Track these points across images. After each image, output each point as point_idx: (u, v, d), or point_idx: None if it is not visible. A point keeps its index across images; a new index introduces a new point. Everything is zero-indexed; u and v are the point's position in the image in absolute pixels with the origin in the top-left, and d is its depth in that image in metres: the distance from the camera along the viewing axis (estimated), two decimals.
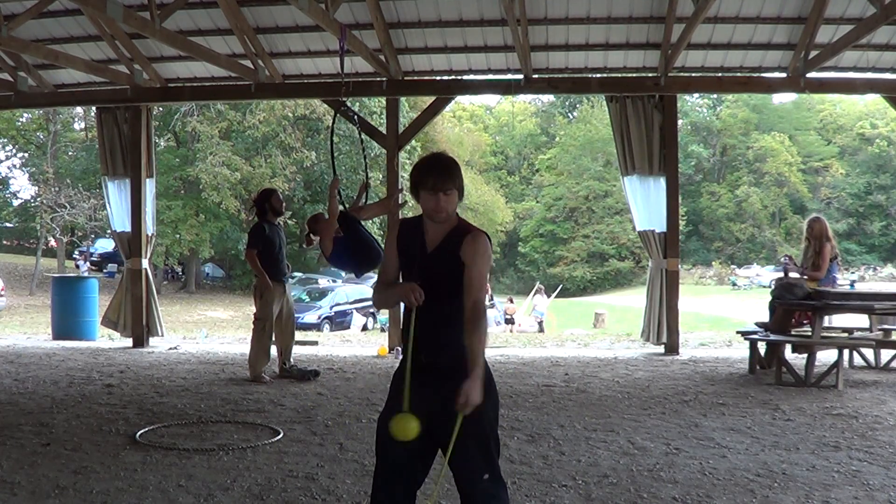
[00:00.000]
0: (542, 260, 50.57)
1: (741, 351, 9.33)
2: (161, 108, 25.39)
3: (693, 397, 6.65)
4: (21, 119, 31.59)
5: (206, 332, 13.76)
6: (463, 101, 53.19)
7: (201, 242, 30.06)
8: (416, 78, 9.74)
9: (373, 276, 26.16)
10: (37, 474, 4.45)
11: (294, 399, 6.67)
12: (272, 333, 7.59)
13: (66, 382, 7.40)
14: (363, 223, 6.82)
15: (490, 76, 9.78)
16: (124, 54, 9.27)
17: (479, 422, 2.90)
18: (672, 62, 8.75)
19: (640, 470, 4.56)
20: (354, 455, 4.89)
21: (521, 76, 9.30)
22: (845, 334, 8.28)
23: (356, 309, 22.91)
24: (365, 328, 21.40)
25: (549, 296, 27.09)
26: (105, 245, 32.64)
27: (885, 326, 7.96)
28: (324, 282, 28.71)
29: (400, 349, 9.12)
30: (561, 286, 39.69)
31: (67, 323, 11.14)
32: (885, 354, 8.08)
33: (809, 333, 7.48)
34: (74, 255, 34.41)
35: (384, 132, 9.95)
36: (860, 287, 16.69)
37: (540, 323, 23.57)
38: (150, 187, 10.21)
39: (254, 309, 7.80)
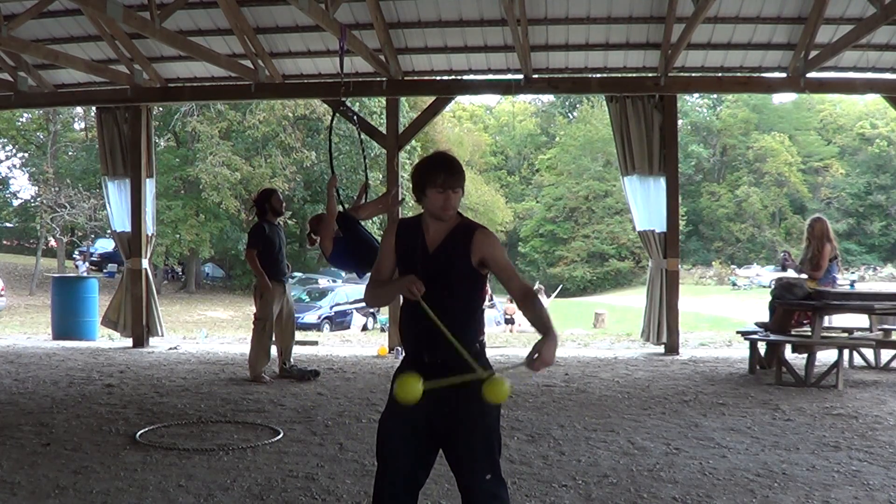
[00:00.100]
0: (543, 260, 50.59)
1: (741, 351, 9.33)
2: (161, 108, 25.39)
3: (693, 397, 6.65)
4: (21, 119, 31.60)
5: (206, 332, 13.76)
6: (463, 101, 53.22)
7: (201, 242, 30.06)
8: (416, 78, 9.74)
9: None
10: (37, 474, 4.45)
11: (294, 399, 6.67)
12: (272, 333, 7.59)
13: (66, 382, 7.40)
14: (363, 223, 6.81)
15: (490, 76, 9.78)
16: (124, 54, 9.27)
17: (483, 421, 2.90)
18: (672, 62, 8.75)
19: (640, 470, 4.56)
20: (354, 455, 4.89)
21: (521, 76, 9.30)
22: (845, 334, 8.28)
23: (356, 309, 22.90)
24: (365, 328, 21.40)
25: (549, 296, 27.08)
26: (105, 245, 32.64)
27: (885, 326, 7.96)
28: (324, 282, 28.72)
29: (400, 349, 9.18)
30: (561, 286, 39.71)
31: (67, 323, 11.14)
32: (885, 354, 8.08)
33: (809, 333, 7.48)
34: (74, 255, 34.42)
35: (384, 132, 9.95)
36: (860, 287, 16.71)
37: None
38: (150, 187, 10.22)
39: (254, 309, 7.80)
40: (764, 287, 30.02)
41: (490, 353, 3.06)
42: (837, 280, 8.17)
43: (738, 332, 9.00)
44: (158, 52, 9.44)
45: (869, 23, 7.17)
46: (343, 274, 27.65)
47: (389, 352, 9.42)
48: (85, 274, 26.04)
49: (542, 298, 24.68)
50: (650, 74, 9.29)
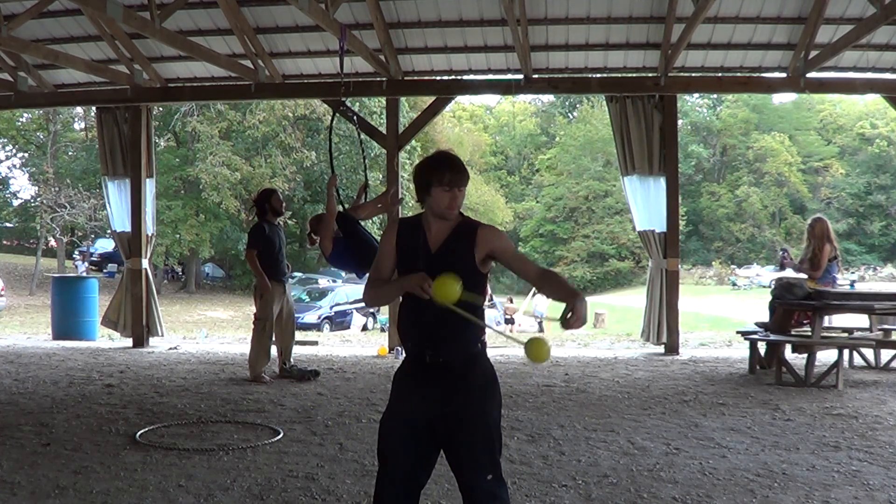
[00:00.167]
0: (543, 260, 50.48)
1: (741, 351, 9.33)
2: (161, 108, 25.39)
3: (693, 397, 6.65)
4: (21, 119, 31.60)
5: (206, 332, 13.77)
6: (463, 101, 53.21)
7: (201, 242, 30.07)
8: (416, 78, 9.74)
9: None
10: (37, 474, 4.45)
11: (294, 399, 6.67)
12: (272, 333, 7.59)
13: (66, 382, 7.40)
14: (362, 223, 6.80)
15: (490, 76, 9.78)
16: (124, 54, 9.27)
17: (485, 422, 2.90)
18: (672, 62, 8.75)
19: (640, 470, 4.56)
20: (354, 455, 4.89)
21: (521, 76, 9.30)
22: (845, 334, 8.28)
23: (356, 309, 22.91)
24: (365, 328, 21.41)
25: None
26: (105, 245, 32.63)
27: (885, 326, 7.96)
28: (324, 282, 28.72)
29: (400, 349, 9.18)
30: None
31: (67, 323, 11.14)
32: (885, 354, 8.08)
33: (809, 333, 7.48)
34: (74, 255, 34.43)
35: (384, 132, 9.95)
36: (860, 287, 16.71)
37: (540, 323, 23.57)
38: (150, 187, 10.22)
39: (254, 309, 7.80)
40: (764, 287, 30.01)
41: (490, 353, 3.06)
42: (837, 280, 8.17)
43: (738, 332, 9.00)
44: (158, 52, 9.44)
45: (869, 23, 7.17)
46: (343, 274, 27.64)
47: (389, 352, 9.42)
48: (84, 274, 26.05)
49: (542, 298, 24.76)
50: (650, 74, 9.29)
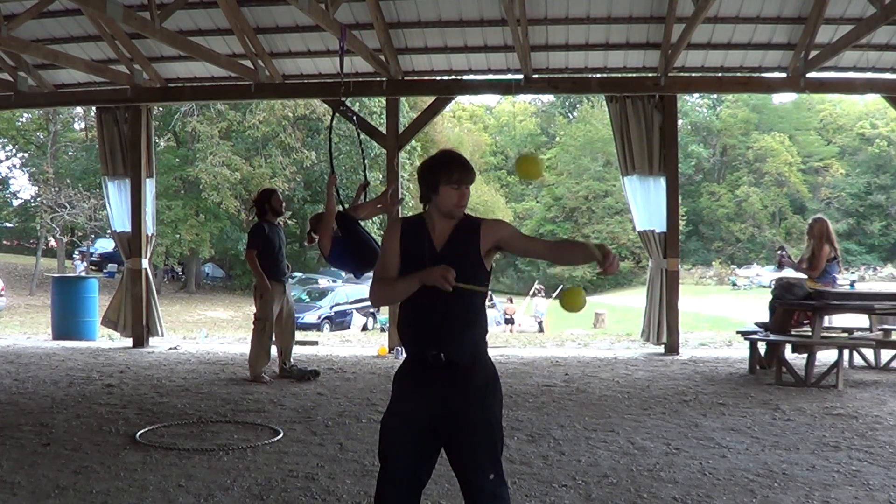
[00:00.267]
0: (542, 261, 50.49)
1: (741, 351, 9.33)
2: (161, 108, 25.38)
3: (693, 397, 6.65)
4: (21, 119, 31.58)
5: (206, 332, 13.76)
6: (463, 101, 53.19)
7: (201, 242, 30.06)
8: (416, 78, 9.74)
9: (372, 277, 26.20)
10: (37, 474, 4.45)
11: (294, 399, 6.67)
12: (272, 333, 7.59)
13: (66, 382, 7.40)
14: (362, 223, 6.79)
15: (490, 76, 9.78)
16: (124, 54, 9.27)
17: (486, 421, 2.90)
18: (672, 62, 8.75)
19: (640, 470, 4.56)
20: (354, 455, 4.89)
21: (521, 76, 9.30)
22: (845, 334, 8.28)
23: (356, 309, 22.92)
24: (365, 328, 21.41)
25: (549, 296, 27.08)
26: (105, 245, 32.63)
27: (885, 326, 7.96)
28: (324, 282, 28.72)
29: (400, 349, 9.18)
30: (561, 286, 39.71)
31: (67, 323, 11.14)
32: (885, 354, 8.08)
33: (809, 333, 7.48)
34: (74, 255, 34.42)
35: (384, 132, 9.95)
36: (860, 287, 16.69)
37: (540, 323, 23.58)
38: (150, 187, 10.22)
39: (254, 309, 7.80)
40: (764, 287, 30.01)
41: (491, 353, 3.05)
42: (837, 280, 8.17)
43: (738, 332, 9.00)
44: (158, 52, 9.44)
45: (869, 23, 7.17)
46: (343, 274, 27.65)
47: (389, 352, 9.42)
48: (82, 273, 26.05)
49: (542, 298, 24.77)
50: (650, 74, 9.29)
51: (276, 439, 5.26)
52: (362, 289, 24.51)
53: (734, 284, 41.18)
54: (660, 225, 9.23)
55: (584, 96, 43.73)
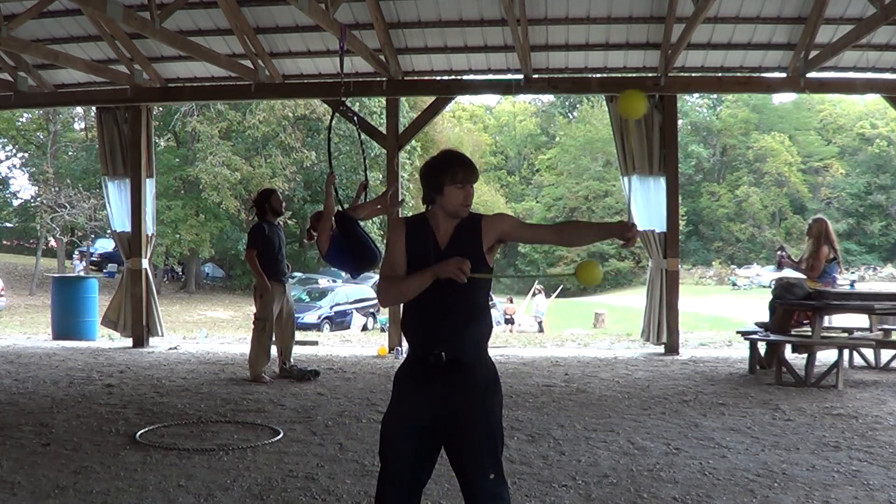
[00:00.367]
0: (542, 260, 50.55)
1: (741, 351, 9.33)
2: (161, 108, 25.38)
3: (693, 397, 6.65)
4: (21, 119, 31.57)
5: (206, 332, 13.76)
6: (463, 101, 53.22)
7: (201, 242, 30.06)
8: (416, 78, 9.74)
9: (371, 277, 26.24)
10: (37, 474, 4.45)
11: (294, 399, 6.67)
12: (272, 333, 7.59)
13: (66, 382, 7.40)
14: (361, 224, 6.77)
15: (490, 76, 9.78)
16: (124, 54, 9.27)
17: (487, 421, 2.90)
18: (672, 62, 8.75)
19: (640, 470, 4.56)
20: (354, 455, 4.89)
21: (521, 76, 9.30)
22: (845, 334, 8.28)
23: (356, 309, 22.92)
24: (365, 328, 21.41)
25: (549, 296, 27.10)
26: (105, 245, 32.63)
27: (885, 326, 7.96)
28: (324, 282, 28.71)
29: (400, 349, 9.18)
30: (561, 286, 39.75)
31: (67, 323, 11.14)
32: (885, 354, 8.08)
33: (809, 333, 7.48)
34: (74, 255, 34.42)
35: (384, 132, 9.95)
36: (860, 287, 16.70)
37: (540, 323, 23.58)
38: (150, 187, 10.22)
39: (254, 309, 7.80)
40: (764, 287, 30.03)
41: (491, 353, 3.05)
42: (837, 280, 8.17)
43: (738, 332, 9.00)
44: (158, 52, 9.44)
45: (869, 23, 7.17)
46: (342, 274, 27.66)
47: (389, 352, 9.42)
48: (81, 273, 26.03)
49: (542, 298, 24.78)
50: (650, 74, 9.29)
51: (276, 439, 5.26)
52: (362, 289, 24.55)
53: (734, 284, 41.19)
54: (660, 225, 9.24)
55: (584, 96, 43.73)
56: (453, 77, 9.80)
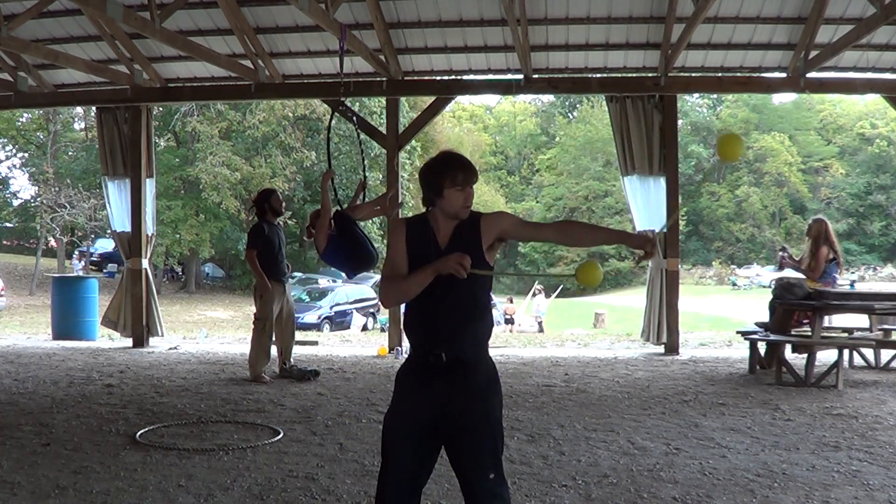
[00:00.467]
0: (542, 260, 50.55)
1: (741, 351, 9.33)
2: (161, 108, 25.38)
3: (693, 397, 6.65)
4: (21, 119, 31.57)
5: (206, 332, 13.76)
6: (463, 101, 53.22)
7: (201, 242, 30.06)
8: (416, 78, 9.74)
9: (371, 277, 26.25)
10: (37, 474, 4.46)
11: (294, 399, 6.67)
12: (272, 333, 7.59)
13: (66, 382, 7.40)
14: (359, 224, 6.76)
15: (490, 76, 9.78)
16: (124, 54, 9.27)
17: (487, 421, 2.90)
18: (672, 62, 8.75)
19: (640, 470, 4.56)
20: (354, 455, 4.89)
21: (521, 76, 9.30)
22: (845, 334, 8.28)
23: (356, 309, 22.91)
24: (365, 328, 21.41)
25: (549, 296, 27.09)
26: (105, 245, 32.63)
27: (885, 326, 7.96)
28: (324, 282, 28.71)
29: (400, 349, 9.18)
30: (561, 286, 39.77)
31: (67, 323, 11.14)
32: (885, 354, 8.08)
33: (809, 333, 7.48)
34: (74, 255, 34.41)
35: (384, 132, 9.95)
36: (860, 287, 16.70)
37: (540, 323, 23.58)
38: (150, 187, 10.22)
39: (254, 309, 7.80)
40: (764, 287, 30.03)
41: (491, 353, 3.05)
42: (837, 281, 8.17)
43: (738, 332, 9.00)
44: (158, 52, 9.44)
45: (869, 23, 7.17)
46: (342, 273, 27.64)
47: (389, 352, 9.42)
48: (81, 273, 26.01)
49: (542, 298, 24.78)
50: (650, 74, 9.29)
51: (276, 439, 5.26)
52: (362, 289, 24.54)
53: (734, 284, 41.18)
54: (660, 225, 9.23)
55: (584, 96, 43.73)
56: (453, 77, 9.80)
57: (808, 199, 52.20)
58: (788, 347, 7.70)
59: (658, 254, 9.23)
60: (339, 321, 22.14)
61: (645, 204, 9.27)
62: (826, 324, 7.93)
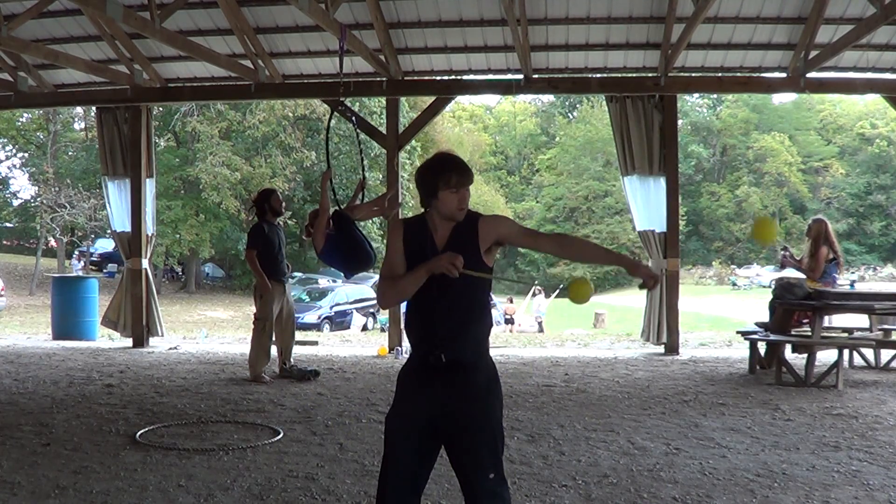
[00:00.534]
0: (543, 260, 50.52)
1: (741, 351, 9.33)
2: (161, 108, 25.38)
3: (693, 397, 6.65)
4: (21, 119, 31.56)
5: (206, 332, 13.76)
6: (463, 101, 53.20)
7: (201, 242, 30.06)
8: (416, 78, 9.74)
9: (370, 277, 26.23)
10: (37, 474, 4.46)
11: (294, 399, 6.67)
12: (272, 333, 7.59)
13: (66, 382, 7.40)
14: (358, 224, 6.76)
15: (490, 76, 9.78)
16: (124, 54, 9.27)
17: (488, 421, 2.90)
18: (672, 62, 8.75)
19: (640, 470, 4.56)
20: (354, 455, 4.89)
21: (521, 76, 9.30)
22: (845, 334, 8.28)
23: (356, 309, 22.91)
24: (365, 328, 21.41)
25: (548, 296, 27.09)
26: (105, 245, 32.62)
27: (885, 326, 7.96)
28: (324, 282, 28.71)
29: (400, 349, 9.18)
30: (561, 286, 39.78)
31: (67, 323, 11.14)
32: (885, 354, 8.08)
33: (809, 333, 7.48)
34: (74, 255, 34.41)
35: (384, 132, 9.95)
36: (860, 287, 16.70)
37: (540, 323, 23.58)
38: (150, 187, 10.22)
39: (254, 309, 7.80)
40: (764, 287, 30.02)
41: (491, 353, 3.05)
42: (837, 281, 8.17)
43: (738, 332, 9.00)
44: (158, 52, 9.44)
45: (869, 23, 7.17)
46: (342, 273, 27.62)
47: (389, 352, 9.42)
48: (80, 273, 26.01)
49: (542, 298, 24.78)
50: (650, 74, 9.29)
51: (276, 439, 5.26)
52: (362, 289, 24.53)
53: (734, 284, 41.19)
54: (660, 225, 9.24)
55: (584, 96, 43.72)
56: (453, 77, 9.80)
57: (808, 199, 52.21)
58: (788, 347, 7.70)
59: (658, 254, 9.24)
60: (339, 321, 22.15)
61: (645, 204, 9.27)
62: (826, 324, 7.93)
